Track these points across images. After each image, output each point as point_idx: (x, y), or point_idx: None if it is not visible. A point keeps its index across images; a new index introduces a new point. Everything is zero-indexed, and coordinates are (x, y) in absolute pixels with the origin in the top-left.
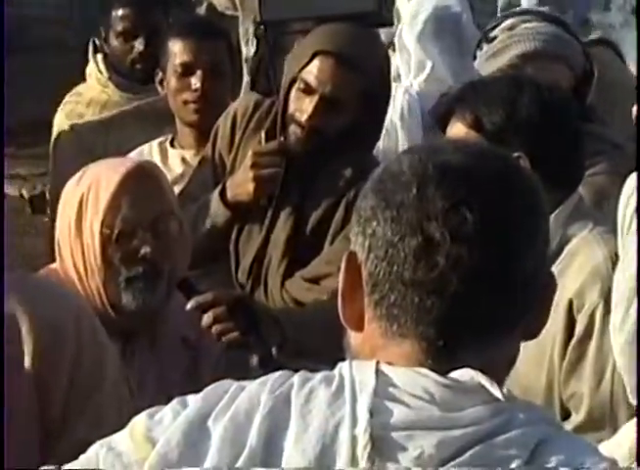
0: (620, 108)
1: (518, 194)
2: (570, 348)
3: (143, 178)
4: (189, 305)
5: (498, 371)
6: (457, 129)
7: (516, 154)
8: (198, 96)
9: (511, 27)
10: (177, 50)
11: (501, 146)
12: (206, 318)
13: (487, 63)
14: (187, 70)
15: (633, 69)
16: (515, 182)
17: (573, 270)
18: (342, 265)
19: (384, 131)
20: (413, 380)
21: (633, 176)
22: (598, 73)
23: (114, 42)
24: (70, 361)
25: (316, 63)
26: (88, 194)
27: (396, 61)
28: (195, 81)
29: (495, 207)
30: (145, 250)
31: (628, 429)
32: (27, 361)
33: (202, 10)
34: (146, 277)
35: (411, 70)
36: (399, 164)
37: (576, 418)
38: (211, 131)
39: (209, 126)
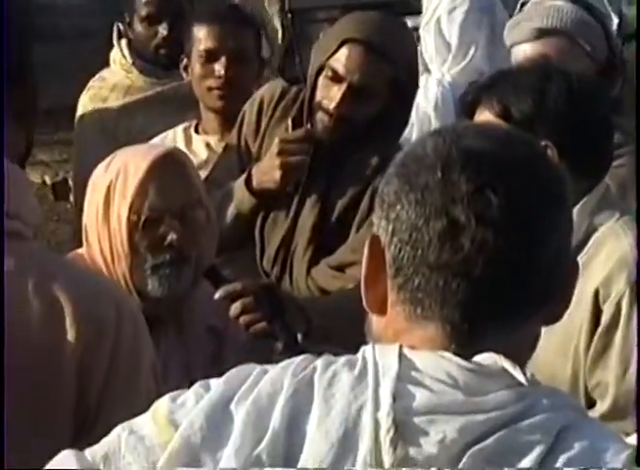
0: None
1: (543, 178)
2: (595, 337)
3: (171, 165)
4: (217, 295)
5: (520, 355)
6: (485, 118)
7: (543, 143)
8: (222, 83)
9: (540, 2)
10: (202, 36)
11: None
12: (234, 308)
13: (510, 32)
14: (211, 57)
15: None
16: (540, 167)
17: (600, 260)
18: (366, 249)
19: (418, 123)
20: (436, 364)
21: None
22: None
23: (138, 27)
24: (110, 352)
25: (344, 51)
26: (116, 180)
27: (423, 52)
28: (219, 68)
29: (520, 190)
30: (172, 237)
31: None
32: (70, 350)
33: None
34: (172, 264)
35: (447, 60)
36: (423, 147)
37: (601, 407)
38: (236, 118)
39: (234, 113)
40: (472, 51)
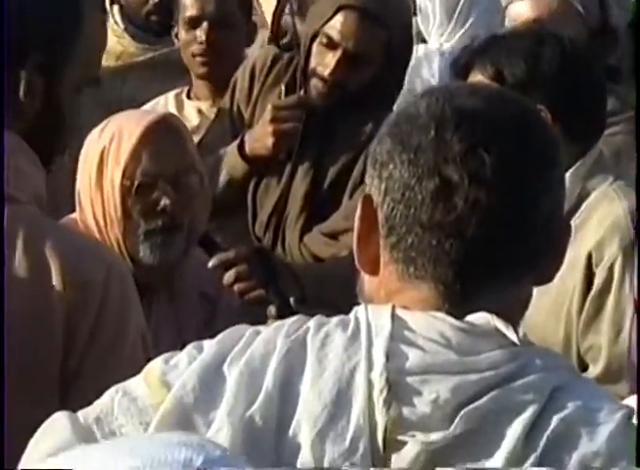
0: None
1: (536, 138)
2: (588, 300)
3: (165, 131)
4: (211, 263)
5: (513, 315)
6: (477, 81)
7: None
8: (203, 49)
9: None
10: (187, 3)
11: None
12: (228, 277)
13: None
14: (194, 23)
15: None
16: (533, 127)
17: (593, 223)
18: (358, 209)
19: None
20: (429, 324)
21: None
22: None
23: None
24: (95, 314)
25: (340, 17)
26: (110, 146)
27: (419, 22)
28: (200, 34)
29: (513, 150)
30: (164, 202)
31: None
32: (56, 309)
33: None
34: (164, 231)
35: (446, 30)
36: (416, 106)
37: (594, 370)
38: (226, 84)
39: (222, 79)
40: (472, 18)
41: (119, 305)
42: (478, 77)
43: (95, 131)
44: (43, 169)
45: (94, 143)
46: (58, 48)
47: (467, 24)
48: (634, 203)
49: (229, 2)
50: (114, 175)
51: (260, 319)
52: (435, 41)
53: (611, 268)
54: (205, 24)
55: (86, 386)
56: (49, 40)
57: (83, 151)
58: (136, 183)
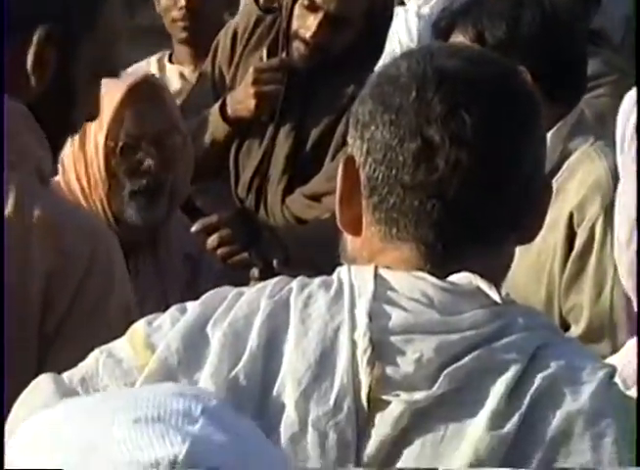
0: None
1: (516, 99)
2: (570, 261)
3: (147, 92)
4: (194, 228)
5: (496, 275)
6: (459, 42)
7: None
8: (184, 14)
9: None
10: None
11: None
12: (212, 241)
13: None
14: None
15: None
16: (513, 87)
17: (574, 184)
18: (340, 170)
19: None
20: (411, 284)
21: (631, 93)
22: None
23: None
24: (76, 286)
25: None
26: None
27: None
28: None
29: (494, 111)
30: (148, 162)
31: (634, 345)
32: (36, 276)
33: None
34: (149, 190)
35: None
36: (397, 67)
37: (576, 330)
38: (208, 48)
39: (202, 43)
40: None
41: (103, 277)
42: (459, 39)
43: None
44: (48, 145)
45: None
46: (75, 22)
47: None
48: (614, 162)
49: None
50: (97, 137)
51: (243, 280)
52: (413, 3)
53: (592, 229)
54: None
55: (61, 354)
56: (65, 10)
57: None
58: (120, 144)
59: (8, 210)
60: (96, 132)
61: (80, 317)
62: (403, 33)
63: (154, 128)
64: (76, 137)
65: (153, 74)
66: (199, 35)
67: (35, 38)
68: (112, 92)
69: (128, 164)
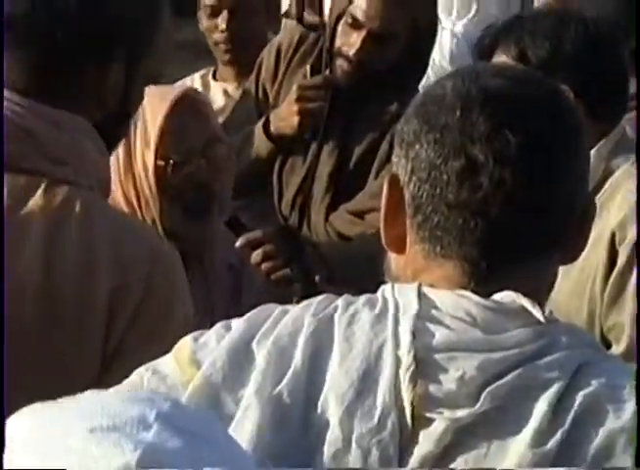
0: None
1: (559, 118)
2: (611, 279)
3: (189, 106)
4: (238, 243)
5: (539, 294)
6: (502, 62)
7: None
8: (225, 37)
9: None
10: None
11: None
12: (256, 256)
13: None
14: (214, 12)
15: None
16: (556, 107)
17: (616, 203)
18: (385, 188)
19: (434, 77)
20: (455, 302)
21: None
22: None
23: None
24: (138, 300)
25: None
26: (135, 128)
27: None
28: (220, 22)
29: (537, 130)
30: (200, 176)
31: None
32: (100, 291)
33: None
34: (201, 202)
35: (452, 13)
36: (442, 87)
37: (617, 349)
38: (250, 67)
39: (246, 62)
40: (475, 3)
41: (162, 299)
42: (502, 57)
43: None
44: (108, 156)
45: None
46: (141, 40)
47: (472, 10)
48: None
49: None
50: (145, 157)
51: (285, 296)
52: (448, 21)
53: (633, 247)
54: (225, 13)
55: (124, 369)
56: (136, 29)
57: None
58: (171, 162)
59: (72, 226)
60: (143, 151)
61: (139, 338)
62: (437, 52)
63: (200, 141)
64: (120, 156)
65: (191, 87)
66: (241, 55)
67: (112, 65)
68: (154, 109)
69: (180, 179)
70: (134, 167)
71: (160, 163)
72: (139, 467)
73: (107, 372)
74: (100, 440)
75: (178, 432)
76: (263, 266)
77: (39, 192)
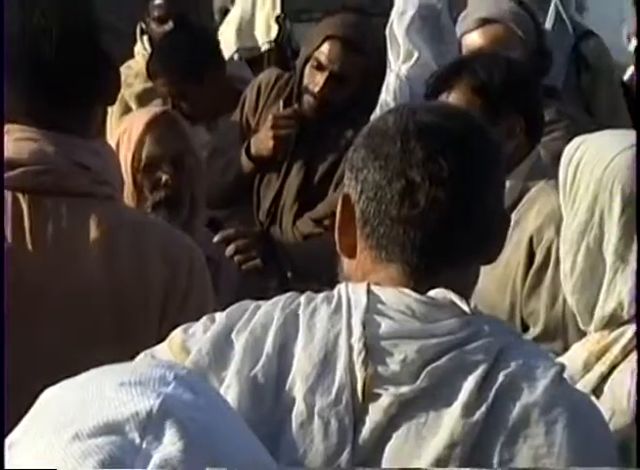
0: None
1: (482, 146)
2: (530, 274)
3: (165, 121)
4: (215, 239)
5: (465, 290)
6: (460, 93)
7: (512, 112)
8: None
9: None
10: None
11: (501, 105)
12: (230, 249)
13: (460, 24)
14: None
15: None
16: (479, 137)
17: (533, 213)
18: (339, 205)
19: (380, 110)
20: (398, 298)
21: (576, 139)
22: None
23: (153, 25)
24: (184, 290)
25: (327, 45)
26: (124, 135)
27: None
28: None
29: (465, 157)
30: (165, 178)
31: (579, 347)
32: (154, 288)
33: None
34: (167, 203)
35: (399, 57)
36: (385, 122)
37: (534, 331)
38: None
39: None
40: (416, 53)
41: (202, 281)
42: (460, 90)
43: (116, 126)
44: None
45: (114, 137)
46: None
47: (414, 56)
48: None
49: None
50: (126, 158)
51: (260, 291)
52: (395, 65)
53: (549, 249)
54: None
55: None
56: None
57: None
58: (142, 163)
59: (125, 234)
60: (126, 154)
61: (187, 319)
62: (383, 90)
63: (171, 151)
64: None
65: (170, 108)
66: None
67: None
68: (139, 119)
69: (150, 180)
70: (122, 168)
71: (135, 163)
72: (160, 410)
73: None
74: (128, 390)
75: (192, 390)
76: (236, 258)
77: (92, 209)
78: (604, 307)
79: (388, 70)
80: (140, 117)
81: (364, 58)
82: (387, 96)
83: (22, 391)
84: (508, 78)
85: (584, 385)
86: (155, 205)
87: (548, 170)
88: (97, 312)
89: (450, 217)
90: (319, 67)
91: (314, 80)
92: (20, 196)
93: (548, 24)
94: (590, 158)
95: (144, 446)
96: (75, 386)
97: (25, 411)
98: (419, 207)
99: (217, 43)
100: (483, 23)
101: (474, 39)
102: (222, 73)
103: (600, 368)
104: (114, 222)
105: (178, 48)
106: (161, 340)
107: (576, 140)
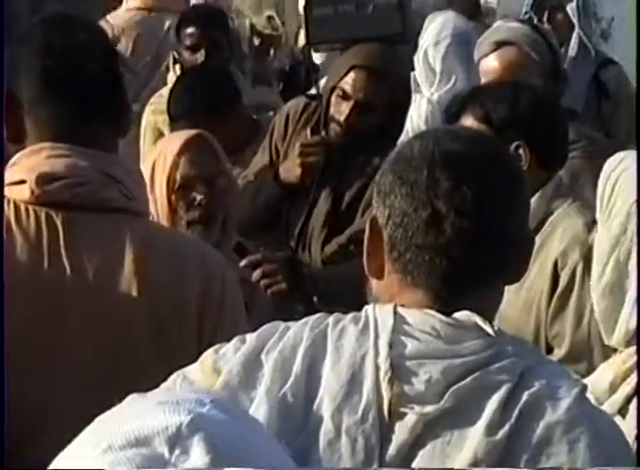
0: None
1: (506, 174)
2: (555, 297)
3: (199, 144)
4: (242, 263)
5: (489, 312)
6: (469, 122)
7: (516, 142)
8: None
9: (499, 25)
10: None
11: (505, 136)
12: (256, 274)
13: (477, 49)
14: None
15: None
16: (504, 165)
17: (557, 236)
18: (367, 228)
19: (412, 133)
20: (423, 319)
21: (618, 154)
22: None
23: (185, 54)
24: (219, 302)
25: (352, 74)
26: (159, 158)
27: (416, 75)
28: None
29: (489, 186)
30: (200, 197)
31: (605, 368)
32: (190, 300)
33: (245, 30)
34: (202, 221)
35: (434, 83)
36: (410, 148)
37: (559, 352)
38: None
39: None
40: (454, 77)
41: (234, 294)
42: (469, 119)
43: (151, 151)
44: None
45: (149, 160)
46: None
47: (451, 82)
48: (590, 219)
49: None
50: (162, 179)
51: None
52: (427, 92)
53: (573, 272)
54: None
55: None
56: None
57: (142, 163)
58: (177, 184)
59: (160, 251)
60: (161, 176)
61: (224, 334)
62: (415, 114)
63: (204, 172)
64: (147, 181)
65: (204, 131)
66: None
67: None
68: (173, 142)
69: (184, 200)
70: (155, 189)
71: (170, 184)
72: (190, 425)
73: None
74: (164, 408)
75: (226, 413)
76: (262, 283)
77: (127, 225)
78: (629, 322)
79: (417, 97)
80: (175, 140)
81: (389, 86)
82: (418, 120)
83: (63, 402)
84: (514, 110)
85: (610, 405)
86: (189, 224)
87: (569, 192)
88: (134, 329)
89: (475, 245)
90: (345, 96)
91: (340, 109)
92: (53, 214)
93: (572, 53)
94: (629, 176)
95: (172, 459)
96: (117, 407)
97: (57, 430)
98: (444, 236)
99: (232, 76)
100: (499, 45)
101: (490, 63)
102: (241, 105)
103: (625, 389)
104: (150, 238)
105: (195, 89)
106: (199, 354)
107: (618, 155)
